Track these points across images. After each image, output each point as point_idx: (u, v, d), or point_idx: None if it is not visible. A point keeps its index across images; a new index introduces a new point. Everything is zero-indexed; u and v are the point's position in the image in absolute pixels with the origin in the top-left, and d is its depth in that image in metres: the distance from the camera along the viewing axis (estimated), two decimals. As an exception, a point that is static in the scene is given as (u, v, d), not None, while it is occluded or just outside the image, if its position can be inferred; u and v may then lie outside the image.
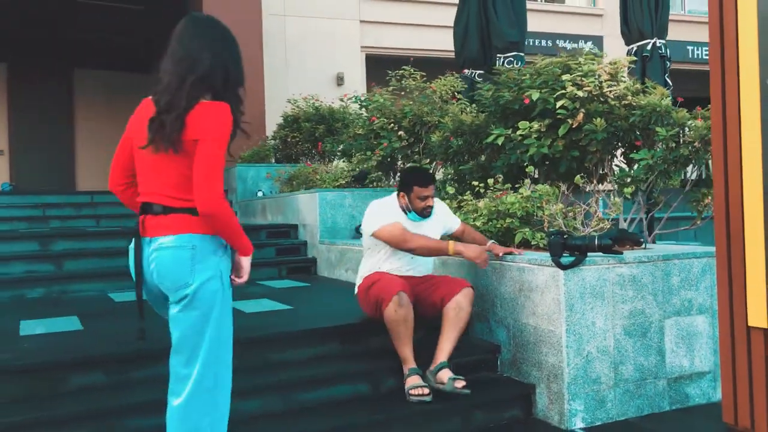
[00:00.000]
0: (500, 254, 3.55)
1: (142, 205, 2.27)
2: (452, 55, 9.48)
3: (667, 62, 7.57)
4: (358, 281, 3.63)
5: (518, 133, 4.82)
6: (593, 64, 4.77)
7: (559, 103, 4.58)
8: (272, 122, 11.24)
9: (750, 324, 2.98)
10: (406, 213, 3.54)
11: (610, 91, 4.66)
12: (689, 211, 4.76)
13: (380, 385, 3.29)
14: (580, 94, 4.51)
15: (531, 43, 16.41)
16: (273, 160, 10.00)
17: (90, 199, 8.54)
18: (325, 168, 8.05)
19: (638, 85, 4.75)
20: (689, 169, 4.57)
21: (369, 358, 3.45)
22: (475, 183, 4.77)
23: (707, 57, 18.28)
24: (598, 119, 4.51)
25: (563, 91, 4.60)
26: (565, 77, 4.62)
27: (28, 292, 5.16)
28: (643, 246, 3.82)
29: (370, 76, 15.57)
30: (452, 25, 10.04)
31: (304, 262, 6.18)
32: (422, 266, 3.67)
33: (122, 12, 11.78)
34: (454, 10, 9.80)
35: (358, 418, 3.02)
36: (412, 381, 3.17)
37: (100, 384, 2.96)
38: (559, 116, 4.66)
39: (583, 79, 4.68)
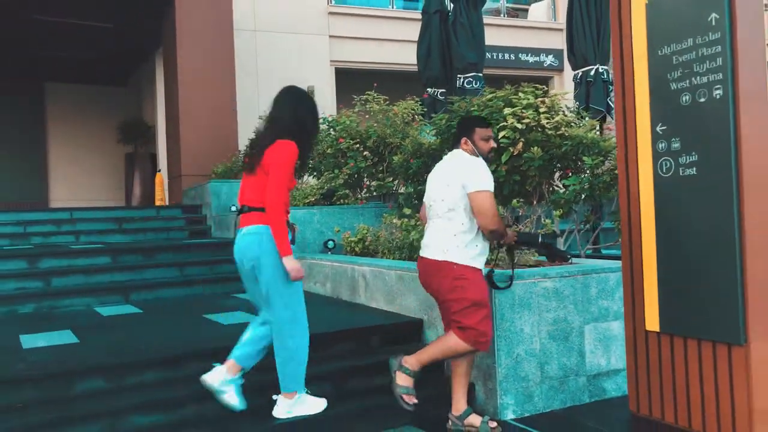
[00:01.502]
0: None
1: (239, 207, 3.40)
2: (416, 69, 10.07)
3: (610, 86, 8.25)
4: (456, 255, 3.34)
5: (466, 159, 5.40)
6: (532, 98, 5.38)
7: (501, 134, 5.18)
8: (244, 137, 11.68)
9: (647, 328, 3.61)
10: None
11: (547, 122, 5.27)
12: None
13: (344, 385, 3.83)
14: (519, 126, 5.12)
15: (495, 57, 17.12)
16: (247, 176, 10.45)
17: (69, 216, 8.91)
18: (298, 185, 8.57)
19: (571, 117, 5.36)
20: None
21: (331, 362, 3.97)
22: (406, 210, 5.34)
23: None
24: (536, 148, 5.12)
25: (505, 123, 5.21)
26: (506, 111, 5.22)
27: (20, 308, 5.58)
28: (570, 261, 4.43)
29: (340, 89, 16.12)
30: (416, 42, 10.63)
31: (276, 275, 6.67)
32: None
33: (92, 30, 12.09)
34: (418, 26, 10.40)
35: (326, 413, 3.54)
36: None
37: (101, 389, 3.45)
38: (502, 144, 5.26)
39: (523, 111, 5.29)
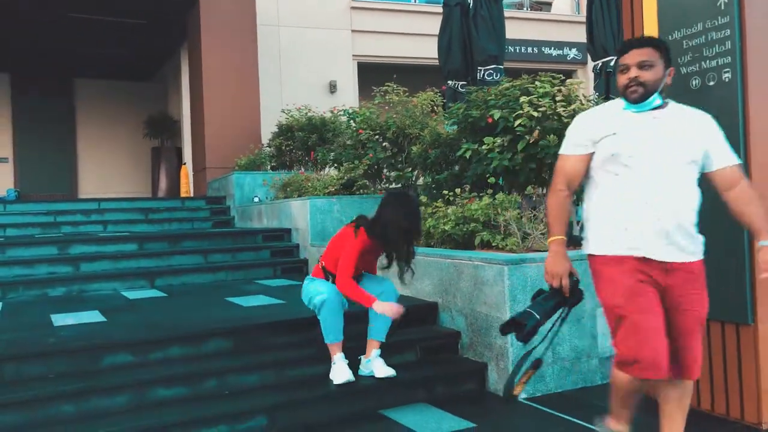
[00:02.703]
0: None
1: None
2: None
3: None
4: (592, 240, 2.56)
5: (483, 147, 5.49)
6: (548, 87, 5.43)
7: (517, 122, 5.25)
8: (267, 131, 11.89)
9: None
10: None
11: (564, 111, 5.31)
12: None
13: (356, 363, 3.94)
14: (535, 114, 5.18)
15: (518, 51, 17.10)
16: (268, 168, 10.64)
17: (97, 206, 9.17)
18: (317, 176, 8.70)
19: (588, 105, 5.40)
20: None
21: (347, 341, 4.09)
22: (445, 192, 5.43)
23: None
24: (552, 136, 5.17)
25: (521, 111, 5.27)
26: (522, 99, 5.28)
27: (51, 291, 5.81)
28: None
29: (362, 83, 16.24)
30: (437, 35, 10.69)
31: (296, 263, 6.83)
32: None
33: (123, 26, 12.38)
34: (440, 20, 10.48)
35: (335, 389, 3.65)
36: None
37: (128, 363, 3.61)
38: (518, 133, 5.32)
39: (539, 100, 5.34)
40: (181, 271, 6.32)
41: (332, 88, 15.64)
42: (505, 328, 2.57)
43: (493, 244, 4.67)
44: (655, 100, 2.48)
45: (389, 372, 3.74)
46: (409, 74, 13.33)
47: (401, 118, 7.55)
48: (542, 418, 3.53)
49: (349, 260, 3.67)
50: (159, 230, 8.18)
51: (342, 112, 8.52)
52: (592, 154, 2.51)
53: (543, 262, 3.93)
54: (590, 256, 2.60)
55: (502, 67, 9.91)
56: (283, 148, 10.74)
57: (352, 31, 16.01)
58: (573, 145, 2.57)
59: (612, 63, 8.15)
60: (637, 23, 3.71)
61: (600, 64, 8.25)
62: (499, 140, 5.42)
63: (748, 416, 3.21)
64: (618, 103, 2.55)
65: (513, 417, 3.59)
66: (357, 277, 3.95)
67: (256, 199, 9.33)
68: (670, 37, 3.48)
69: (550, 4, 20.29)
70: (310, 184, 8.05)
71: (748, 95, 3.14)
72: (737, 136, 3.16)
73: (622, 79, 2.48)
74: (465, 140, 5.93)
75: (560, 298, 2.49)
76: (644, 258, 2.41)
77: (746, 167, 3.15)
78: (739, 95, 3.16)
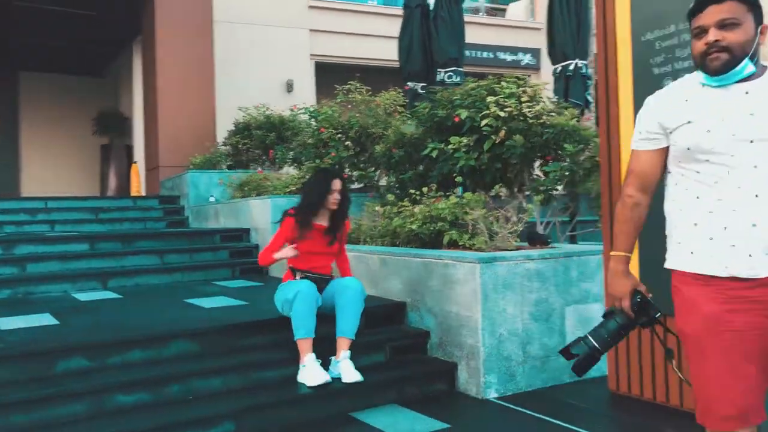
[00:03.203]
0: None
1: None
2: (399, 64, 10.10)
3: (588, 81, 8.37)
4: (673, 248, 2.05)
5: (450, 146, 5.46)
6: (514, 87, 5.44)
7: (484, 122, 5.24)
8: (223, 129, 11.64)
9: (627, 308, 3.66)
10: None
11: (529, 111, 5.33)
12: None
13: (326, 365, 3.84)
14: (502, 114, 5.18)
15: (474, 55, 17.24)
16: (224, 167, 10.41)
17: (44, 205, 8.76)
18: (275, 175, 8.54)
19: (552, 106, 5.44)
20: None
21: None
22: (412, 191, 5.38)
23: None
24: (518, 136, 5.18)
25: (488, 111, 5.26)
26: (489, 99, 5.28)
27: (-5, 293, 5.49)
28: (551, 245, 4.50)
29: (320, 83, 16.10)
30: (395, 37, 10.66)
31: (256, 264, 6.60)
32: None
33: (71, 17, 11.93)
34: (398, 22, 10.43)
35: (303, 392, 3.53)
36: None
37: (84, 368, 3.41)
38: (484, 133, 5.31)
39: (505, 100, 5.35)
40: (135, 272, 6.08)
41: (289, 87, 15.45)
42: (565, 355, 2.11)
43: (460, 243, 4.64)
44: (746, 67, 1.86)
45: (356, 377, 3.61)
46: (368, 75, 13.26)
47: (364, 117, 7.48)
48: (515, 417, 3.49)
49: (274, 237, 4.01)
50: (111, 230, 7.87)
51: (303, 111, 8.38)
52: (668, 147, 2.00)
53: (513, 261, 3.94)
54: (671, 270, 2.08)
55: (461, 69, 9.96)
56: (240, 146, 10.54)
57: (310, 30, 15.87)
58: (642, 137, 2.05)
59: (571, 67, 8.27)
60: (609, 23, 3.73)
61: (560, 68, 8.34)
62: (465, 140, 5.40)
63: (718, 413, 3.24)
64: (695, 78, 1.97)
65: (486, 416, 3.55)
66: (322, 281, 3.94)
67: (212, 199, 9.09)
68: (642, 38, 3.51)
69: (504, 11, 20.59)
70: (269, 183, 7.89)
71: (719, 95, 3.18)
72: (708, 136, 3.19)
73: (698, 46, 1.90)
74: (430, 140, 5.89)
75: (626, 320, 2.10)
76: (735, 278, 1.85)
77: (717, 166, 3.18)
78: (711, 95, 3.19)
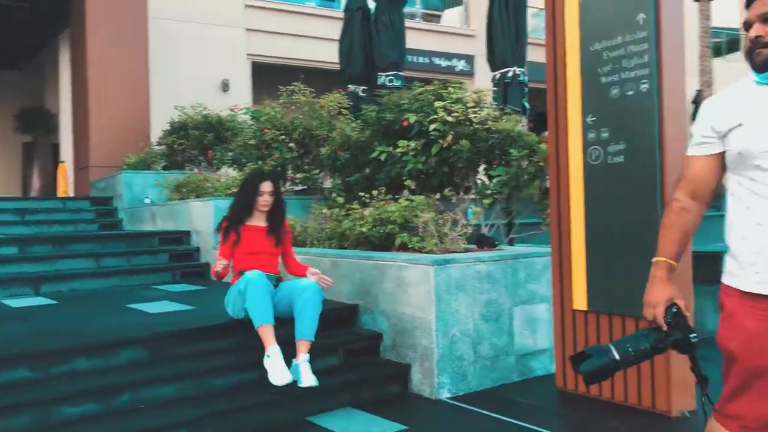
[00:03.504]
0: None
1: None
2: (339, 67, 10.08)
3: (525, 88, 8.62)
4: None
5: (398, 150, 5.50)
6: (460, 93, 5.55)
7: (432, 126, 5.31)
8: (157, 128, 11.30)
9: (574, 307, 3.82)
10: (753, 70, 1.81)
11: (475, 117, 5.45)
12: (538, 219, 5.66)
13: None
14: (450, 119, 5.27)
15: (410, 60, 17.36)
16: (160, 167, 10.11)
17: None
18: (215, 176, 8.36)
19: (497, 112, 5.58)
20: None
21: (263, 349, 3.90)
22: (362, 193, 5.39)
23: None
24: (464, 141, 5.28)
25: (436, 116, 5.34)
26: (437, 104, 5.36)
27: None
28: (498, 247, 4.61)
29: (257, 83, 15.88)
30: (338, 39, 10.60)
31: (197, 267, 6.50)
32: None
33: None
34: (341, 25, 10.40)
35: (258, 398, 3.48)
36: None
37: (27, 379, 3.24)
38: (432, 137, 5.39)
39: (452, 105, 5.44)
40: (69, 277, 5.81)
41: (225, 86, 15.19)
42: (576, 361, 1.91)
43: (410, 246, 4.68)
44: None
45: (312, 382, 3.58)
46: (307, 77, 13.16)
47: (308, 119, 7.43)
48: (469, 416, 3.56)
49: (219, 249, 4.05)
50: (39, 233, 7.49)
51: (244, 111, 8.24)
52: (724, 153, 1.86)
53: (465, 263, 4.01)
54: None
55: (402, 73, 10.07)
56: (176, 146, 10.26)
57: (247, 29, 15.63)
58: (696, 142, 1.92)
59: (510, 74, 8.50)
60: (558, 34, 3.86)
61: (498, 75, 8.56)
62: (413, 144, 5.46)
63: (659, 405, 3.41)
64: (750, 77, 1.84)
65: (441, 416, 3.60)
66: (271, 278, 3.94)
67: (147, 200, 8.80)
68: (590, 48, 3.66)
69: (439, 17, 20.91)
70: (209, 184, 7.71)
71: (663, 105, 3.36)
72: (653, 143, 3.36)
73: (745, 41, 1.81)
74: (377, 143, 5.92)
75: (659, 335, 1.88)
76: None
77: (661, 171, 3.36)
78: (656, 104, 3.36)
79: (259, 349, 3.83)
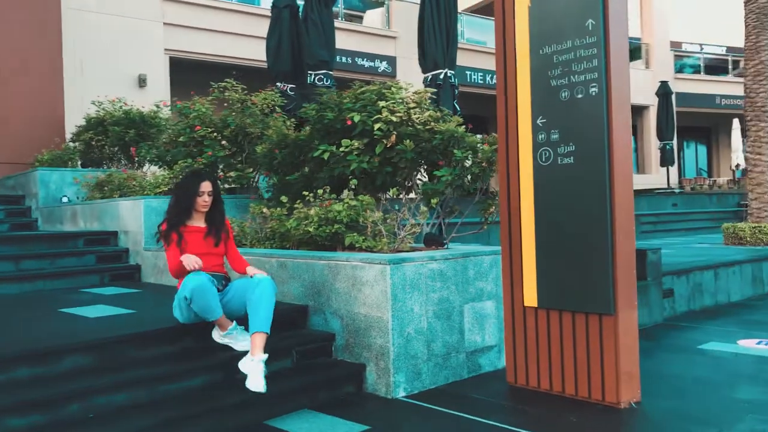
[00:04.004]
0: None
1: None
2: (261, 65, 9.88)
3: (456, 90, 8.81)
4: None
5: (341, 149, 5.47)
6: (402, 92, 5.58)
7: (376, 126, 5.32)
8: (71, 123, 10.71)
9: (525, 304, 3.93)
10: None
11: (417, 118, 5.50)
12: (477, 218, 5.78)
13: (231, 375, 3.69)
14: (394, 119, 5.29)
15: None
16: (77, 165, 9.58)
17: None
18: (141, 173, 8.01)
19: (438, 113, 5.65)
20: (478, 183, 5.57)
21: (213, 353, 3.78)
22: (306, 192, 5.32)
23: (481, 81, 20.43)
24: (408, 141, 5.32)
25: (380, 116, 5.35)
26: (381, 104, 5.37)
27: None
28: (446, 246, 4.68)
29: (175, 80, 15.35)
30: (261, 36, 10.40)
31: (127, 269, 6.21)
32: None
33: None
34: (264, 22, 10.19)
35: (215, 403, 3.38)
36: None
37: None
38: (375, 136, 5.39)
39: (395, 105, 5.46)
40: (-17, 281, 5.41)
41: (141, 82, 14.60)
42: None
43: (357, 246, 4.67)
44: None
45: (260, 387, 3.40)
46: (227, 74, 12.83)
47: (241, 116, 7.25)
48: (429, 414, 3.58)
49: (168, 254, 3.84)
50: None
51: (174, 107, 7.92)
52: None
53: (420, 262, 4.04)
54: None
55: (332, 72, 10.04)
56: (94, 143, 9.76)
57: (165, 23, 15.08)
58: None
59: (441, 76, 8.66)
60: (508, 37, 3.97)
61: (430, 77, 8.71)
62: (356, 143, 5.44)
63: (609, 397, 3.57)
64: None
65: (401, 415, 3.61)
66: (219, 279, 3.89)
67: (64, 199, 8.33)
68: (541, 51, 3.78)
69: (361, 18, 20.98)
70: (135, 182, 7.39)
71: (611, 108, 3.52)
72: (602, 145, 3.52)
73: None
74: (317, 141, 5.86)
75: None
76: None
77: (610, 172, 3.52)
78: (604, 107, 3.52)
79: (209, 354, 3.73)
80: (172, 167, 7.24)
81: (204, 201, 3.94)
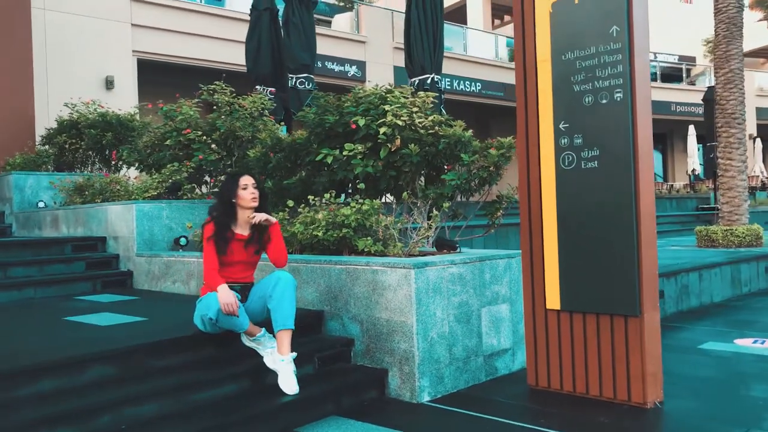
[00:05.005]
0: None
1: None
2: (233, 68, 9.69)
3: (442, 95, 8.86)
4: None
5: (344, 153, 5.43)
6: (406, 98, 5.57)
7: (381, 130, 5.29)
8: (41, 126, 10.36)
9: (548, 307, 3.96)
10: None
11: (420, 122, 5.50)
12: (480, 221, 5.82)
13: (258, 383, 3.60)
14: (399, 123, 5.27)
15: (303, 63, 17.27)
16: (51, 168, 9.26)
17: None
18: (124, 177, 7.79)
19: (442, 118, 5.66)
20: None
21: (239, 360, 3.70)
22: (311, 197, 5.25)
23: (449, 87, 20.53)
24: (413, 145, 5.31)
25: (384, 120, 5.33)
26: (387, 108, 5.34)
27: None
28: (458, 250, 4.68)
29: (144, 82, 15.00)
30: (233, 39, 10.23)
31: (119, 276, 6.02)
32: None
33: None
34: (237, 25, 10.01)
35: (245, 412, 3.29)
36: None
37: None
38: (379, 140, 5.37)
39: (399, 109, 5.45)
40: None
41: (109, 83, 14.24)
42: None
43: (365, 250, 4.63)
44: None
45: (293, 388, 3.47)
46: (199, 77, 12.59)
47: (230, 119, 7.13)
48: (460, 419, 3.56)
49: (206, 253, 3.61)
50: None
51: (160, 109, 7.72)
52: None
53: (441, 266, 4.03)
54: None
55: (312, 76, 9.99)
56: (68, 146, 9.47)
57: (133, 24, 14.76)
58: None
59: (428, 81, 8.69)
60: (528, 43, 4.00)
61: (417, 81, 8.73)
62: (360, 147, 5.41)
63: (635, 397, 3.62)
64: None
65: (432, 420, 3.57)
66: (243, 289, 3.77)
67: (41, 204, 8.04)
68: (563, 57, 3.82)
69: (329, 22, 20.92)
70: (119, 187, 7.19)
71: (636, 113, 3.58)
72: (628, 150, 3.57)
73: None
74: (315, 145, 5.80)
75: None
76: None
77: (635, 176, 3.57)
78: (629, 113, 3.58)
79: (235, 361, 3.64)
80: (160, 171, 7.06)
81: (252, 194, 3.70)
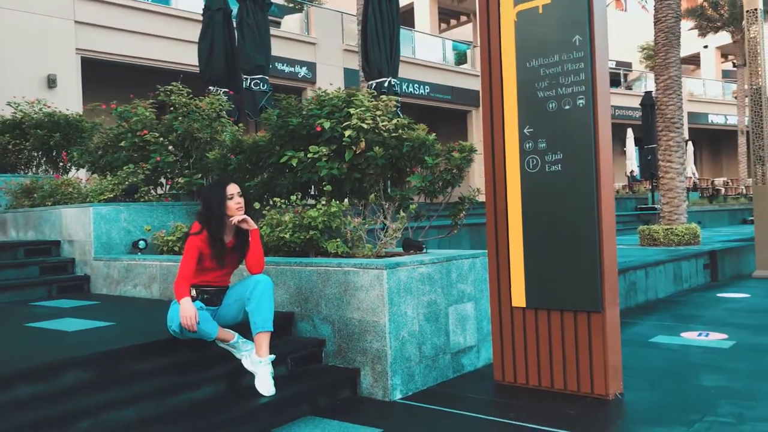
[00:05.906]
0: None
1: None
2: (188, 69, 9.58)
3: (398, 99, 8.96)
4: None
5: (309, 155, 5.46)
6: (370, 101, 5.64)
7: (347, 133, 5.35)
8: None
9: (513, 305, 4.11)
10: None
11: (384, 126, 5.57)
12: (443, 222, 5.92)
13: (235, 386, 3.61)
14: (365, 126, 5.34)
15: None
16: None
17: None
18: (76, 179, 7.57)
19: (405, 121, 5.75)
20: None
21: (215, 363, 3.71)
22: (277, 199, 5.26)
23: (410, 91, 20.81)
24: (377, 148, 5.39)
25: (349, 122, 5.38)
26: (352, 110, 5.40)
27: None
28: (425, 250, 4.79)
29: (88, 81, 14.61)
30: (185, 39, 10.08)
31: (75, 281, 5.87)
32: None
33: None
34: (189, 25, 9.87)
35: (224, 415, 3.30)
36: None
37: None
38: (344, 143, 5.42)
39: (363, 113, 5.52)
40: None
41: (51, 82, 13.83)
42: None
43: (332, 252, 4.69)
44: None
45: (270, 390, 3.51)
46: (148, 77, 12.34)
47: (188, 121, 7.04)
48: (433, 414, 3.66)
49: (185, 259, 3.57)
50: None
51: (114, 110, 7.52)
52: None
53: (412, 266, 4.12)
54: None
55: (267, 78, 9.95)
56: (10, 147, 9.14)
57: (76, 21, 14.35)
58: None
59: (386, 84, 8.79)
60: (494, 51, 4.14)
61: (374, 84, 8.81)
62: (325, 149, 5.45)
63: (597, 389, 3.80)
64: None
65: (407, 417, 3.66)
66: (218, 293, 3.79)
67: (-16, 209, 7.72)
68: (528, 64, 3.98)
69: (279, 23, 20.80)
70: (72, 189, 7.00)
71: (597, 118, 3.77)
72: (591, 153, 3.76)
73: None
74: (278, 147, 5.81)
75: None
76: None
77: (597, 178, 3.76)
78: (591, 118, 3.76)
79: (211, 364, 3.65)
80: (113, 173, 6.91)
81: (238, 203, 3.71)
